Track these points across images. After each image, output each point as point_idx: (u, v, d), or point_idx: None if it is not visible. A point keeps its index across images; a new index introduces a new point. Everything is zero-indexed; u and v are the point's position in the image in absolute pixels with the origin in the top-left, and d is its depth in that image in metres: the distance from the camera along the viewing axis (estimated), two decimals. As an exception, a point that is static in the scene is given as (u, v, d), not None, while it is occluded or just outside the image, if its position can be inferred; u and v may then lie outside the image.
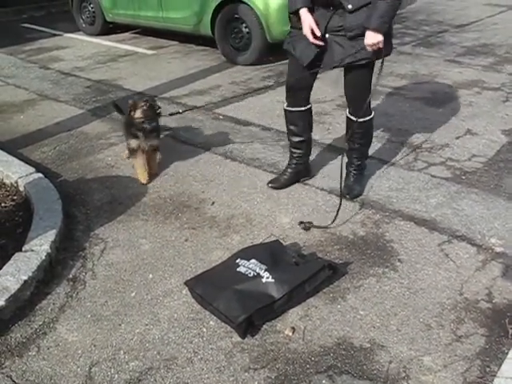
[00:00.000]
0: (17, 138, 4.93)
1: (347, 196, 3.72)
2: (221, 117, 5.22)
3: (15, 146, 4.67)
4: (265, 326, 2.64)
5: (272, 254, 2.92)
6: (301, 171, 3.95)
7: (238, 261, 2.89)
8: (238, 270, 2.82)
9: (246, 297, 2.63)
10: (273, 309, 2.66)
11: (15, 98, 6.04)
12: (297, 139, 3.83)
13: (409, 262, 3.07)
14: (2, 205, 3.72)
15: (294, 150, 3.88)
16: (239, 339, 2.56)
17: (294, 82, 3.59)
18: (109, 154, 4.49)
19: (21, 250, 3.10)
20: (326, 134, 4.77)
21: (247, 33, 6.85)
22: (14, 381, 2.38)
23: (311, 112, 3.81)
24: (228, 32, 7.04)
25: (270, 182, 3.93)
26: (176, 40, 8.32)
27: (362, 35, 3.21)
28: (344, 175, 3.74)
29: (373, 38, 3.17)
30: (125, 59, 7.55)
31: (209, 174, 4.12)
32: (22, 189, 3.85)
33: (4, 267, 2.94)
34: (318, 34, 3.27)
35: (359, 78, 3.46)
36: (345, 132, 3.83)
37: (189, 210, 3.64)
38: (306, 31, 3.29)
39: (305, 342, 2.55)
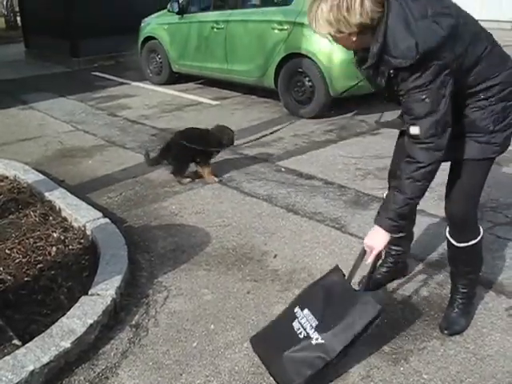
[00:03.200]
0: (85, 182, 5.12)
1: (445, 331, 2.95)
2: (283, 169, 5.28)
3: (83, 190, 4.83)
4: (326, 385, 2.61)
5: (326, 294, 2.78)
6: (397, 271, 3.37)
7: (296, 310, 2.80)
8: (293, 324, 2.73)
9: (298, 363, 2.57)
10: (328, 368, 2.60)
11: (84, 144, 6.29)
12: (397, 234, 3.04)
13: (474, 326, 2.99)
14: (70, 247, 3.84)
15: (392, 247, 3.26)
16: (300, 397, 2.54)
17: (394, 168, 3.01)
18: (173, 202, 4.59)
19: (87, 294, 3.18)
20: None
21: (310, 86, 6.96)
22: (77, 425, 2.42)
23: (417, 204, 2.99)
24: (291, 85, 7.17)
25: (361, 282, 3.18)
26: (239, 91, 8.51)
27: (470, 132, 2.58)
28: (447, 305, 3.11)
29: (372, 237, 2.62)
30: (189, 109, 7.78)
31: (271, 226, 4.15)
32: (89, 233, 3.97)
33: (71, 310, 3.02)
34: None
35: (459, 180, 2.72)
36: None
37: (251, 262, 3.66)
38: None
39: (367, 404, 2.50)
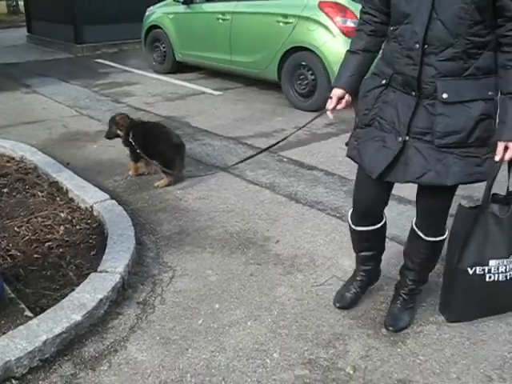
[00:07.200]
0: (90, 165, 5.20)
1: (390, 328, 2.94)
2: (285, 159, 5.39)
3: (89, 173, 4.91)
4: (326, 363, 2.72)
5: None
6: (369, 282, 3.21)
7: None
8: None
9: None
10: None
11: (88, 128, 6.37)
12: (367, 254, 3.12)
13: (469, 313, 3.11)
14: (77, 227, 3.94)
15: (361, 266, 3.17)
16: (302, 372, 2.65)
17: (362, 197, 2.92)
18: (177, 187, 4.69)
19: (96, 271, 3.28)
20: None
21: (313, 80, 7.06)
22: (88, 392, 2.53)
23: (385, 225, 3.05)
24: (294, 78, 7.27)
25: (337, 301, 3.14)
26: (241, 82, 8.61)
27: (459, 146, 2.44)
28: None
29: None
30: (192, 98, 7.87)
31: (273, 213, 4.25)
32: (96, 213, 4.07)
33: (81, 285, 3.12)
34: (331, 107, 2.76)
35: (441, 194, 2.68)
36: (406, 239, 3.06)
37: (254, 247, 3.77)
38: (330, 104, 2.76)
39: (365, 382, 2.61)
